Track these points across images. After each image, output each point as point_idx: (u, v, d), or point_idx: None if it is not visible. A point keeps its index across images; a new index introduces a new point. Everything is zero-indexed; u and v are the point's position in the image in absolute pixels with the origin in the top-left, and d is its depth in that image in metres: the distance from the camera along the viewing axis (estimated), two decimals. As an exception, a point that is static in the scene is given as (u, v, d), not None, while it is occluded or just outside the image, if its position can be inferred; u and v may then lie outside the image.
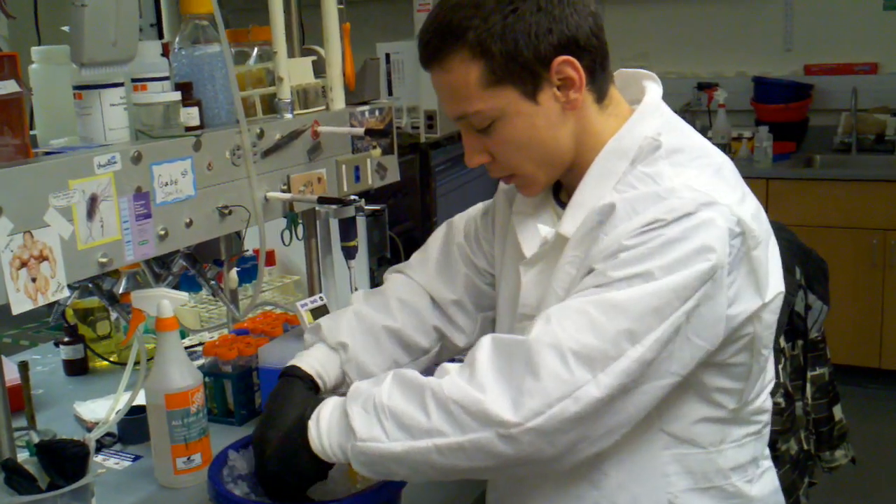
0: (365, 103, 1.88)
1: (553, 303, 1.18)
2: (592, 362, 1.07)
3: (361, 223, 2.17)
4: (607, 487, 1.20)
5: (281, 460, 1.20)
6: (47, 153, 1.30)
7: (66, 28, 1.31)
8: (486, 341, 1.13)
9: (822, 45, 4.69)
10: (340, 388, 1.38)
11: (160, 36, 1.98)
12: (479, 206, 1.55)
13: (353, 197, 1.78)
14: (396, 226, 2.39)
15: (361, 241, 2.13)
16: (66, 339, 2.02)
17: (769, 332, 1.24)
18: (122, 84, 1.38)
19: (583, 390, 1.06)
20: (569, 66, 1.17)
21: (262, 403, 1.71)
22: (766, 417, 1.32)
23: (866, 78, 4.56)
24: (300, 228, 1.92)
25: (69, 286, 1.25)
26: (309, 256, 1.98)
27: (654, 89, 1.27)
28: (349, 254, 1.87)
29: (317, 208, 1.82)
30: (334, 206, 1.70)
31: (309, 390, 1.32)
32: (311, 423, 1.18)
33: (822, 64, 4.68)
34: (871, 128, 4.54)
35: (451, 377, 1.11)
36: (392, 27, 4.59)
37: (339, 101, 1.80)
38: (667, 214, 1.10)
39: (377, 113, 1.89)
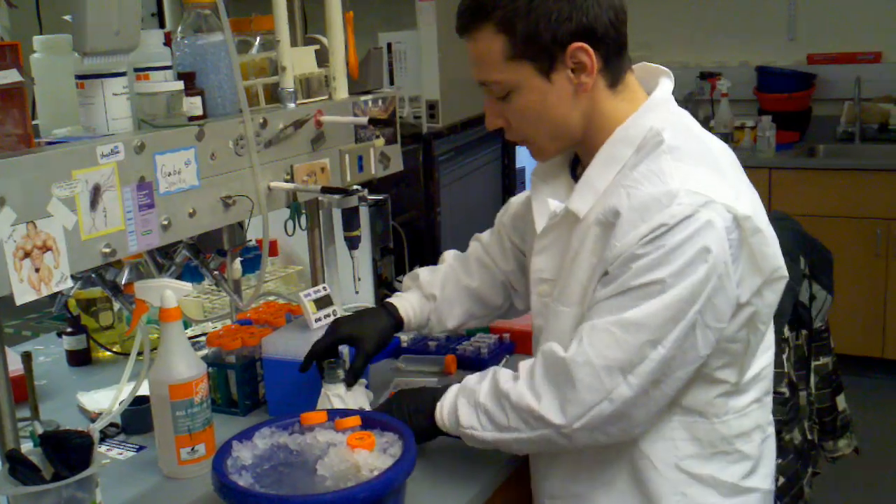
0: (368, 92, 1.87)
1: (576, 289, 1.34)
2: (621, 370, 1.26)
3: (364, 213, 2.16)
4: (628, 452, 1.37)
5: (410, 416, 1.44)
6: (50, 143, 1.29)
7: (68, 17, 1.30)
8: (539, 355, 1.33)
9: (825, 34, 4.67)
10: (423, 327, 1.69)
11: (161, 25, 1.97)
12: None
13: (356, 187, 1.77)
14: (399, 216, 2.38)
15: (364, 230, 2.13)
16: (68, 330, 2.02)
17: (769, 310, 1.36)
18: (124, 73, 1.37)
19: (616, 392, 1.26)
20: (583, 52, 1.29)
21: (265, 394, 1.71)
22: (768, 385, 1.43)
23: (869, 67, 4.54)
24: (303, 218, 1.92)
25: (72, 276, 1.25)
26: (312, 246, 1.97)
27: (665, 84, 1.39)
28: (352, 244, 1.86)
29: (320, 198, 1.82)
30: (337, 196, 1.70)
31: (390, 324, 1.62)
32: (439, 406, 1.41)
33: (826, 53, 4.67)
34: (875, 117, 4.52)
35: (519, 385, 1.33)
36: (394, 17, 4.58)
37: (342, 90, 1.79)
38: (670, 219, 1.23)
39: (380, 102, 1.88)
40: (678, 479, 1.36)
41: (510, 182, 2.75)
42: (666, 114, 1.36)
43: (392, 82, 4.48)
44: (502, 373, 1.37)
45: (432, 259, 2.37)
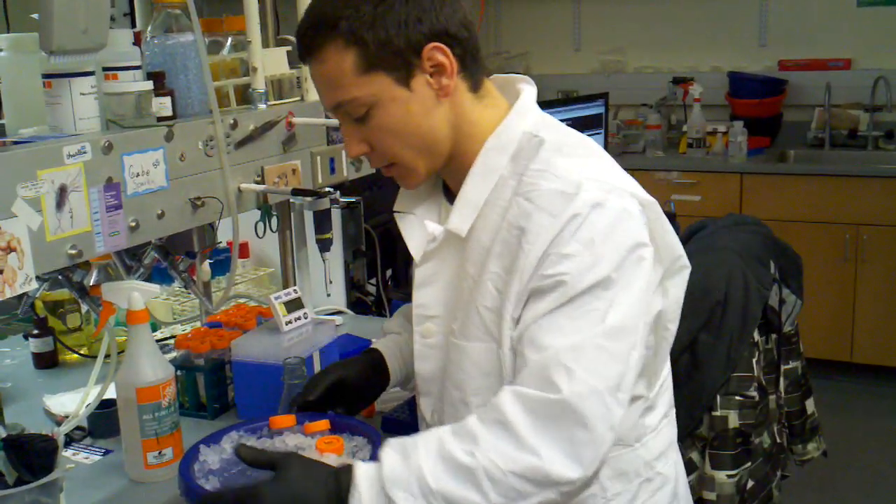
0: (340, 94, 1.86)
1: (476, 321, 1.22)
2: (619, 386, 1.12)
3: (336, 215, 2.15)
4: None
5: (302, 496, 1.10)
6: (16, 143, 1.28)
7: (35, 15, 1.29)
8: (508, 397, 1.10)
9: (796, 40, 4.71)
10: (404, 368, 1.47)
11: (133, 25, 1.95)
12: None
13: (327, 189, 1.77)
14: (371, 218, 2.38)
15: (336, 233, 2.12)
16: (35, 332, 1.99)
17: (676, 307, 1.29)
18: (92, 73, 1.36)
19: (615, 416, 1.10)
20: (439, 52, 1.21)
21: (234, 397, 1.70)
22: (670, 396, 1.36)
23: (840, 74, 4.59)
24: (274, 220, 1.91)
25: (38, 278, 1.23)
26: (283, 249, 1.96)
27: (528, 90, 1.31)
28: (324, 246, 1.85)
29: (291, 200, 1.81)
30: (309, 198, 1.69)
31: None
32: (355, 496, 1.08)
33: (796, 59, 4.71)
34: (845, 123, 4.57)
35: (495, 446, 1.07)
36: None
37: (314, 91, 1.78)
38: (581, 209, 1.14)
39: (352, 104, 1.87)
40: None
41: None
42: (536, 117, 1.28)
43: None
44: (451, 444, 1.09)
45: (404, 261, 2.37)
